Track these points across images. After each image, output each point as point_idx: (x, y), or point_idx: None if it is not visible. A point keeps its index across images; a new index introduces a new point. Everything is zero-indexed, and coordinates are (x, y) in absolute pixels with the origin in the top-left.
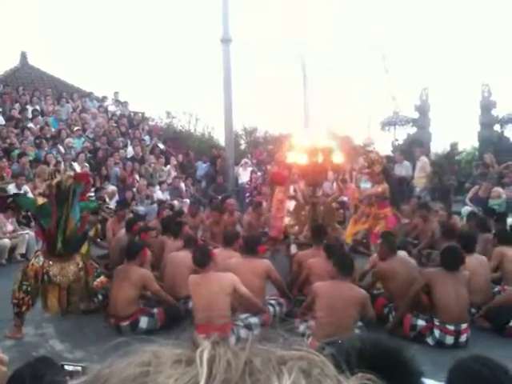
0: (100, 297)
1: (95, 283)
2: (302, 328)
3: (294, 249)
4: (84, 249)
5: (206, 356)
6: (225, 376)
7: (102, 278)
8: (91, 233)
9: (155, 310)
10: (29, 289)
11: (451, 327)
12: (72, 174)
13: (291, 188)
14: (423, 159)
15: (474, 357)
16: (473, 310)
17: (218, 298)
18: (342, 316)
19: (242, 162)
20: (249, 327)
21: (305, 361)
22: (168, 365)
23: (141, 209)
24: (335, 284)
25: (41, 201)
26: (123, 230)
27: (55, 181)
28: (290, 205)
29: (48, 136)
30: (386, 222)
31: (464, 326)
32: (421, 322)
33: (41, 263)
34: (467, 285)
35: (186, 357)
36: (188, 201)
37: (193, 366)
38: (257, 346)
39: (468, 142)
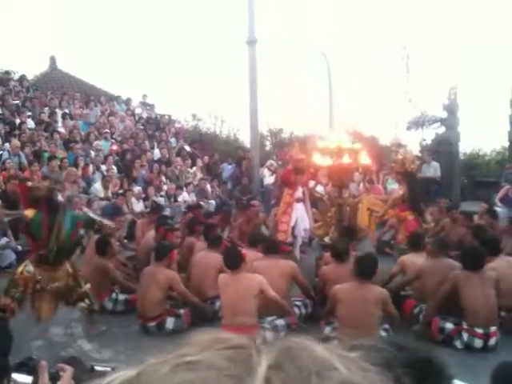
0: (123, 297)
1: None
2: (327, 330)
3: (297, 253)
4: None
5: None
6: None
7: (89, 285)
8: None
9: (182, 311)
10: (16, 295)
11: (480, 330)
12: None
13: (300, 190)
14: (434, 164)
15: None
16: (502, 313)
17: (244, 299)
18: (364, 318)
19: (268, 163)
20: (275, 329)
21: None
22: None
23: (160, 199)
24: (354, 286)
25: (30, 214)
26: (152, 232)
27: (43, 189)
28: (299, 207)
29: (77, 139)
30: (405, 225)
31: (493, 328)
32: (449, 325)
33: (31, 272)
34: (494, 286)
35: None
36: (214, 202)
37: None
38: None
39: (498, 141)
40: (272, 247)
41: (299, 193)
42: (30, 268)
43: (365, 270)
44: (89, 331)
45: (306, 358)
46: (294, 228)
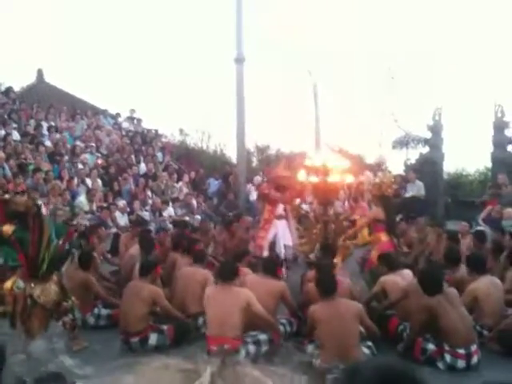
0: (105, 312)
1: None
2: (310, 348)
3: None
4: (65, 266)
5: None
6: None
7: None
8: None
9: (165, 327)
10: (1, 311)
11: (461, 351)
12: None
13: (281, 207)
14: (418, 183)
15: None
16: (485, 332)
17: (231, 310)
18: (344, 335)
19: (254, 179)
20: (257, 344)
21: None
22: None
23: (146, 214)
24: (329, 304)
25: (9, 230)
26: (136, 246)
27: (23, 204)
28: (279, 224)
29: (63, 152)
30: (379, 246)
31: (474, 347)
32: (431, 346)
33: (22, 288)
34: (460, 301)
35: None
36: (199, 217)
37: None
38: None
39: (481, 162)
40: (269, 269)
41: (280, 210)
42: (20, 284)
43: (327, 287)
44: (71, 347)
45: (241, 371)
46: (274, 244)
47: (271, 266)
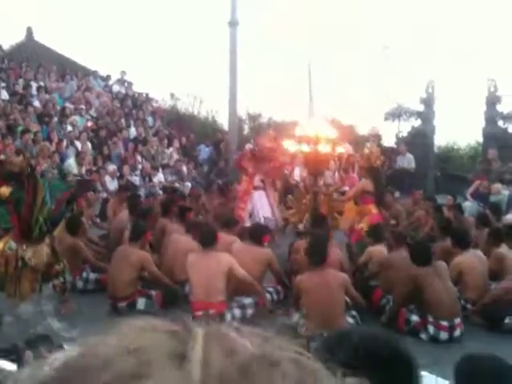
0: (94, 276)
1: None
2: (296, 317)
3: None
4: (58, 230)
5: (198, 359)
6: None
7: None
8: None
9: (153, 293)
10: None
11: (445, 323)
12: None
13: (257, 179)
14: (408, 156)
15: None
16: (468, 306)
17: (215, 276)
18: (329, 305)
19: (246, 147)
20: (243, 307)
21: (298, 366)
22: (160, 363)
23: (135, 179)
24: (315, 274)
25: (6, 192)
26: (125, 211)
27: (18, 165)
28: (257, 195)
29: (52, 113)
30: (370, 218)
31: (457, 320)
32: (415, 318)
33: (14, 249)
34: (448, 275)
35: (178, 355)
36: (189, 184)
37: (184, 369)
38: (249, 337)
39: (472, 136)
40: (255, 236)
41: (257, 181)
42: (12, 245)
43: (319, 256)
44: (61, 310)
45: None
46: (253, 215)
47: (257, 233)
